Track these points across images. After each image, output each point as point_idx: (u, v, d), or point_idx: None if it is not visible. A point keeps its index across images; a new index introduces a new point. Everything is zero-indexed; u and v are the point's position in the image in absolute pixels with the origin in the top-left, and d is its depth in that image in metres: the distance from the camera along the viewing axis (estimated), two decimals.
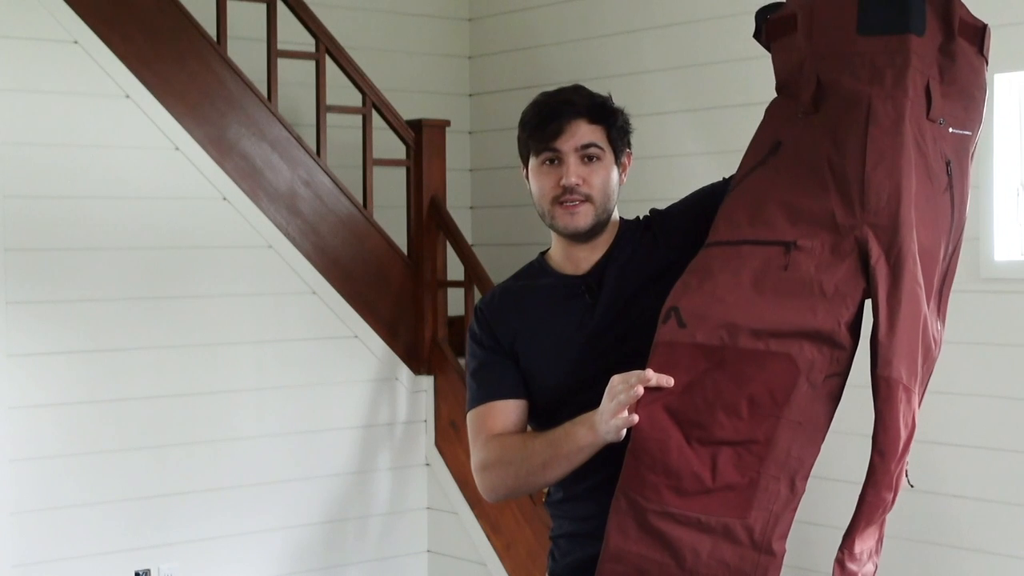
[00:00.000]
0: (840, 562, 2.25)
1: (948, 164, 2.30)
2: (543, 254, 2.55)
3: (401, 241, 5.36)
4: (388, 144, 5.39)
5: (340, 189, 5.10)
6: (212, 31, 4.87)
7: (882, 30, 2.27)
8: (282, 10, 5.04)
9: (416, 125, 5.35)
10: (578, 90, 2.46)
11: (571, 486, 2.41)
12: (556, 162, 2.40)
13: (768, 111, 2.40)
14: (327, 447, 5.09)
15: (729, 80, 4.91)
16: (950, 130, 2.30)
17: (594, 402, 2.25)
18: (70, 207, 4.54)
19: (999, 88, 4.13)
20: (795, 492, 2.22)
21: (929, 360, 2.29)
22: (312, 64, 5.15)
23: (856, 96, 2.26)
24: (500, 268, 4.75)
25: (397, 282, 5.28)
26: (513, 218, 5.86)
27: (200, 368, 4.79)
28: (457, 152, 5.94)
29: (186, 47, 4.77)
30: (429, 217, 5.34)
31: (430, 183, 5.36)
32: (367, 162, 5.24)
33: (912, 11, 2.27)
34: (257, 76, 4.95)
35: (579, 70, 5.30)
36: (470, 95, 6.18)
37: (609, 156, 2.42)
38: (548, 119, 2.40)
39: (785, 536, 2.22)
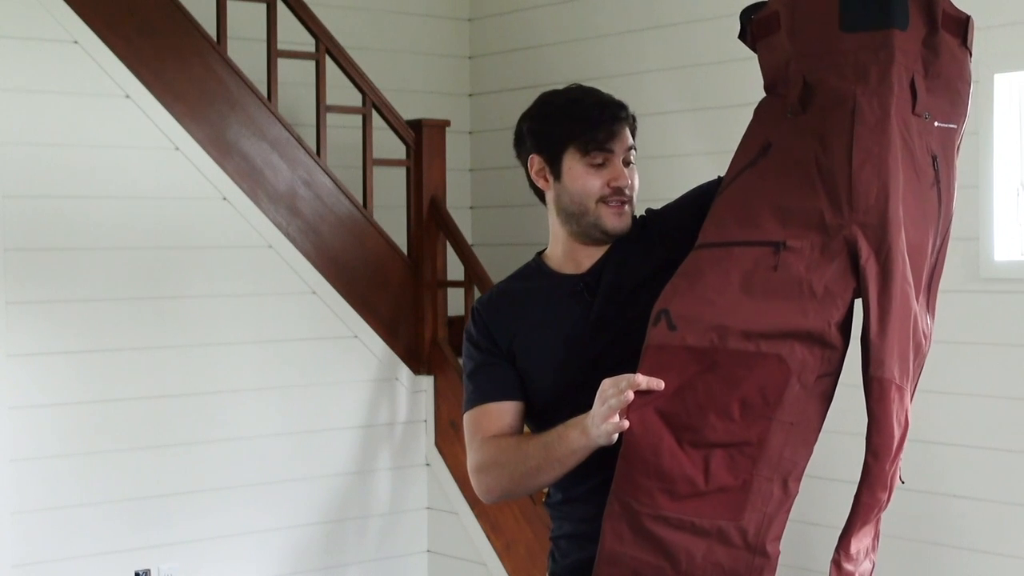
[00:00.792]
0: (836, 563, 2.24)
1: (935, 159, 2.29)
2: (540, 254, 2.55)
3: (401, 241, 5.36)
4: (388, 144, 5.39)
5: (340, 189, 5.10)
6: (212, 31, 4.87)
7: (865, 26, 2.25)
8: (282, 10, 5.04)
9: (416, 125, 5.35)
10: (598, 92, 2.47)
11: (571, 487, 2.41)
12: (604, 163, 2.42)
13: (757, 111, 2.39)
14: (327, 447, 5.09)
15: (729, 80, 4.91)
16: (936, 124, 2.29)
17: (592, 402, 2.24)
18: (70, 207, 4.55)
19: (999, 88, 4.12)
20: (788, 493, 2.21)
21: (920, 356, 2.29)
22: (312, 64, 5.15)
23: (841, 94, 2.25)
24: (500, 268, 4.73)
25: (397, 282, 5.28)
26: (513, 218, 5.86)
27: (200, 368, 4.79)
28: (457, 152, 5.94)
29: (186, 47, 4.77)
30: (429, 217, 5.34)
31: (430, 183, 5.36)
32: (367, 162, 5.23)
33: (894, 5, 2.25)
34: (257, 76, 4.95)
35: (579, 70, 5.30)
36: (470, 95, 6.18)
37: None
38: (607, 120, 2.41)
39: (779, 537, 2.22)
